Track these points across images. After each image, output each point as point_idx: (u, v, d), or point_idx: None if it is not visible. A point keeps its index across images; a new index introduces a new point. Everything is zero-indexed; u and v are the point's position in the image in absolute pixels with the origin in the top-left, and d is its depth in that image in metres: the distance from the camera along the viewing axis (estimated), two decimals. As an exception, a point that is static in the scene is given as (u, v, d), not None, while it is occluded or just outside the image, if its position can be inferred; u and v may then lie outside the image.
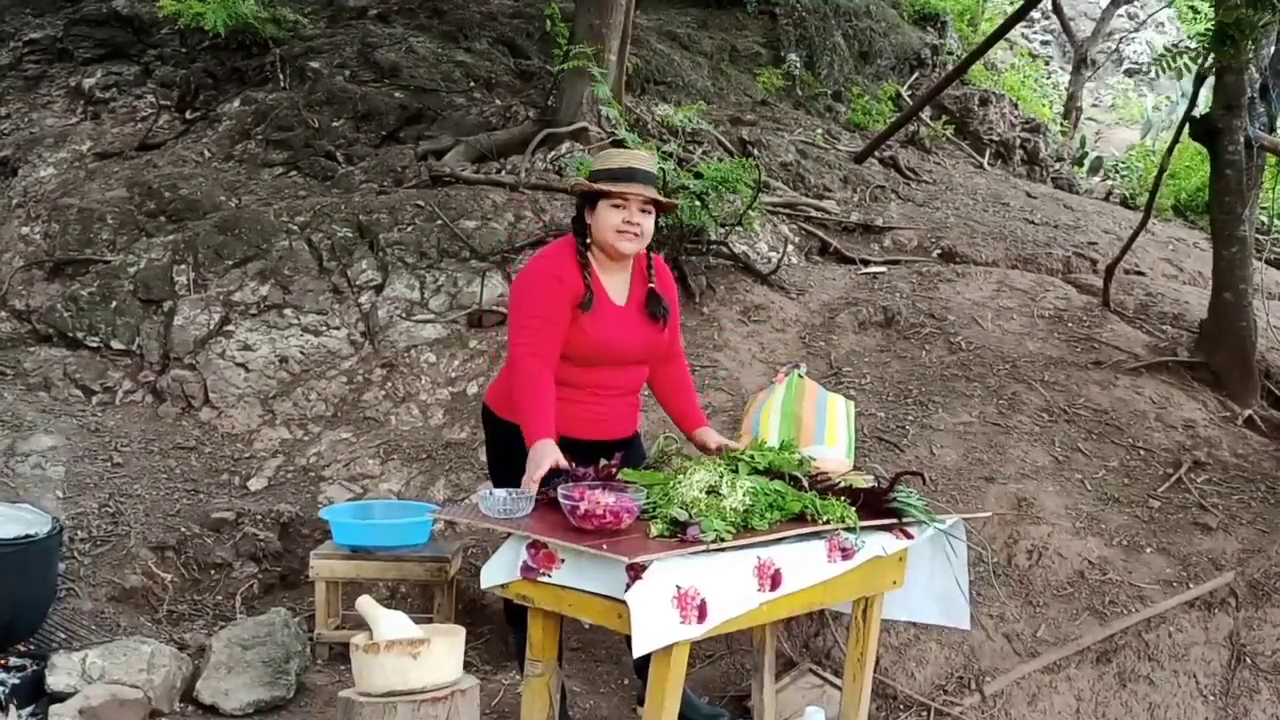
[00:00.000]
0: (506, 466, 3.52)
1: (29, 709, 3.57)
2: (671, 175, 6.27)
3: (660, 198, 3.58)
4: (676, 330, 3.82)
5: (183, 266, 6.48)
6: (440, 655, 2.90)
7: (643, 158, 3.63)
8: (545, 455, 3.23)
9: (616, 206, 3.49)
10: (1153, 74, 5.62)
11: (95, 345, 6.24)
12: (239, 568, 4.92)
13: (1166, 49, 5.53)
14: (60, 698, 3.56)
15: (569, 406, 3.48)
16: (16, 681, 3.61)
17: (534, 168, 7.43)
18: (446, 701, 2.85)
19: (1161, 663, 4.22)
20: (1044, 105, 14.48)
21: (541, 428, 3.32)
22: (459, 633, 3.02)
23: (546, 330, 3.43)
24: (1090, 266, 7.66)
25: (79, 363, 6.14)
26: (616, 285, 3.60)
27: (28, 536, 3.84)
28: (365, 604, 3.12)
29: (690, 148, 8.18)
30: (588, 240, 3.57)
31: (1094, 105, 17.92)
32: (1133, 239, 6.94)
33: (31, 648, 3.87)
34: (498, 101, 8.61)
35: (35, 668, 3.68)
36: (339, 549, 4.37)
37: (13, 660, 3.70)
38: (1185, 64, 5.38)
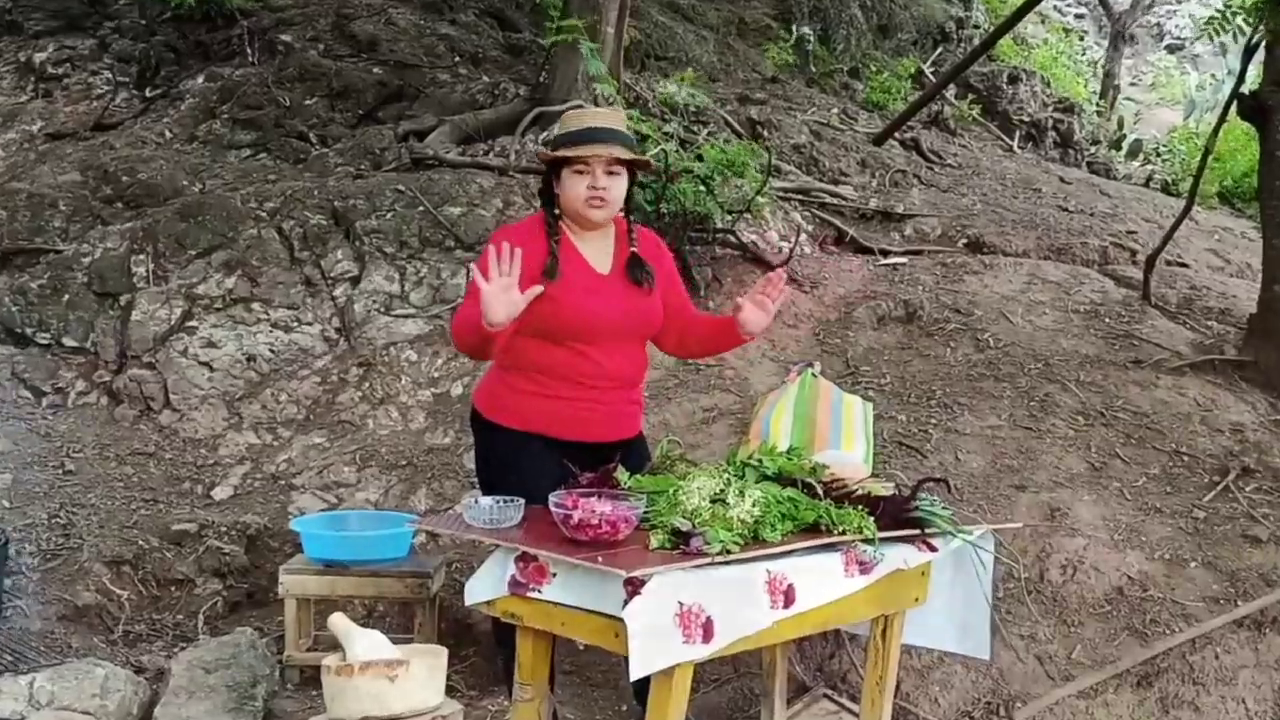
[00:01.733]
0: (496, 473, 3.52)
1: (-29, 737, 3.56)
2: (673, 158, 6.26)
3: (626, 154, 3.55)
4: (686, 298, 3.85)
5: (141, 257, 6.47)
6: (420, 678, 2.89)
7: (603, 115, 3.63)
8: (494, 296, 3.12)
9: (580, 173, 3.48)
10: (1199, 42, 5.64)
11: (46, 342, 6.22)
12: (202, 584, 4.90)
13: (1217, 12, 5.51)
14: (5, 725, 3.55)
15: (556, 403, 3.47)
16: (-42, 707, 3.60)
17: (524, 149, 7.42)
18: (427, 729, 2.84)
19: (1207, 687, 4.20)
20: (1079, 83, 14.48)
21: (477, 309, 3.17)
22: (441, 654, 3.00)
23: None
24: (1129, 257, 7.65)
25: (28, 361, 6.13)
26: (599, 254, 3.60)
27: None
28: (338, 622, 3.11)
29: (694, 128, 8.18)
30: (557, 211, 3.58)
31: (1133, 84, 17.92)
32: (1175, 227, 6.93)
33: (-25, 671, 3.85)
34: (485, 78, 8.61)
35: (-22, 692, 3.66)
36: (311, 564, 4.35)
37: (-46, 684, 3.68)
38: (1240, 26, 5.34)
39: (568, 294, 3.46)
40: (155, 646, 4.51)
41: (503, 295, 3.13)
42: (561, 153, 3.49)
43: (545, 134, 7.56)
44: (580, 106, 7.61)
